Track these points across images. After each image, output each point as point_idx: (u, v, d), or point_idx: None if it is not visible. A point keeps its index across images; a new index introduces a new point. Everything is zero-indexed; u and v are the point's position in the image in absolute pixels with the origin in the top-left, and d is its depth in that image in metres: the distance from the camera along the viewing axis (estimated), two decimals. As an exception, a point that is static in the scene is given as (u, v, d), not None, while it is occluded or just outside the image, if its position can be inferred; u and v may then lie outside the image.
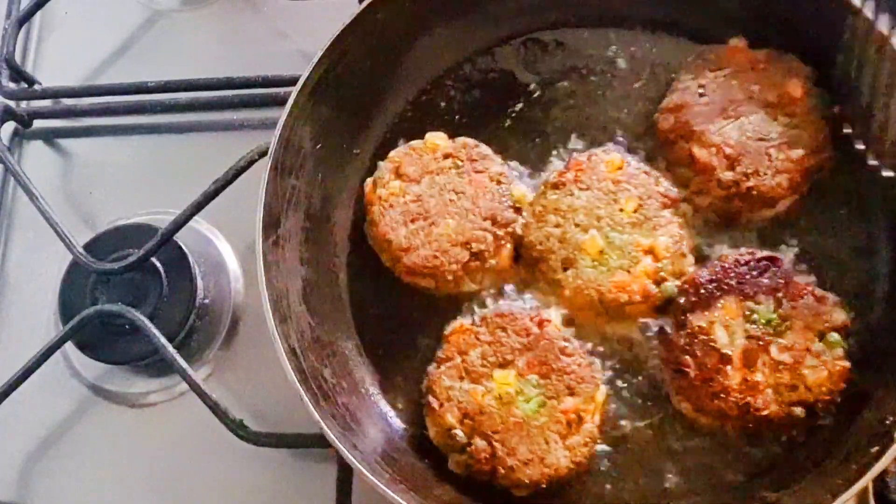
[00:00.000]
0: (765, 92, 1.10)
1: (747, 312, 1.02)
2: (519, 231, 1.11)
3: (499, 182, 1.12)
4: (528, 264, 1.10)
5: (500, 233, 1.09)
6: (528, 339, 1.04)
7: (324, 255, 1.15)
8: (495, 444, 1.00)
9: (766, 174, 1.06)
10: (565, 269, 1.07)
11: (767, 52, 1.12)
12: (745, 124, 1.09)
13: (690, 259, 1.08)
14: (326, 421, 0.96)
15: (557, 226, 1.08)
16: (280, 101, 1.10)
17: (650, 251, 1.06)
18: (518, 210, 1.11)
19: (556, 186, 1.10)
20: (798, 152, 1.07)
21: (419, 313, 1.13)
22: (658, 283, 1.05)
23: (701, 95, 1.11)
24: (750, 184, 1.06)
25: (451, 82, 1.22)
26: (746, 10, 1.14)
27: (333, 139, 1.15)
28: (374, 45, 1.14)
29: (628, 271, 1.05)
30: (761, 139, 1.08)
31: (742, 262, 1.05)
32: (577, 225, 1.08)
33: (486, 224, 1.10)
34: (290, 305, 1.06)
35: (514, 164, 1.15)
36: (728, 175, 1.07)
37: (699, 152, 1.08)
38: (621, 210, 1.08)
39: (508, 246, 1.10)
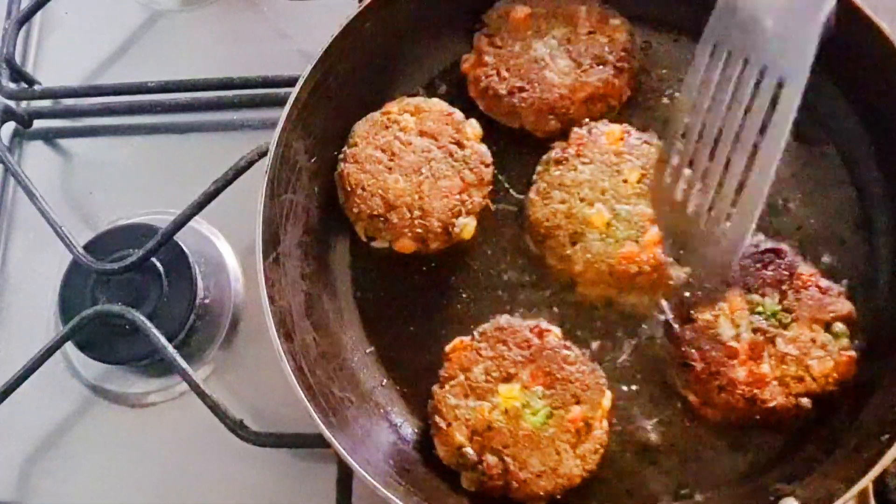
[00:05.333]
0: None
1: (752, 305, 1.02)
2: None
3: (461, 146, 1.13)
4: (535, 241, 1.11)
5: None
6: (529, 351, 1.03)
7: (324, 268, 1.14)
8: (506, 458, 0.99)
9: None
10: (574, 244, 1.07)
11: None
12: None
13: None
14: (337, 437, 0.96)
15: (562, 202, 1.09)
16: (280, 102, 1.09)
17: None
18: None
19: (558, 162, 1.11)
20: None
21: (424, 323, 1.12)
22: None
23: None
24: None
25: (444, 86, 1.21)
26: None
27: (328, 150, 1.15)
28: (363, 54, 1.14)
29: (636, 241, 1.05)
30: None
31: (746, 254, 1.04)
32: (582, 199, 1.08)
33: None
34: (294, 322, 1.05)
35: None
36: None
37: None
38: (625, 181, 1.08)
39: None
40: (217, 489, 1.15)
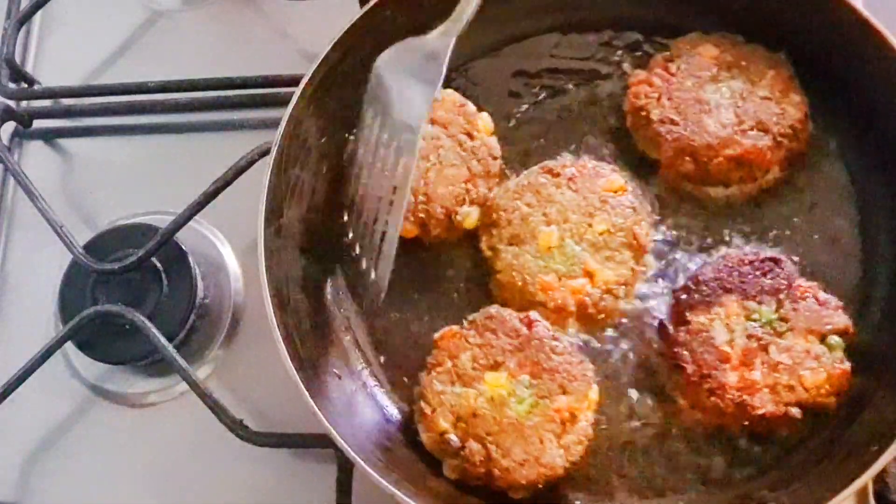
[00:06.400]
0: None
1: (748, 312, 1.02)
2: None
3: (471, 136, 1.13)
4: (483, 222, 1.12)
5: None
6: (518, 340, 1.03)
7: (325, 247, 1.14)
8: (489, 446, 0.99)
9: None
10: (510, 245, 1.08)
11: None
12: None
13: (623, 303, 1.08)
14: (321, 408, 0.96)
15: (528, 205, 1.09)
16: (280, 102, 1.10)
17: (590, 275, 1.06)
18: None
19: (550, 172, 1.11)
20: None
21: (419, 309, 1.12)
22: (579, 305, 1.06)
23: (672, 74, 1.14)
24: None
25: (458, 80, 1.21)
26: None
27: (339, 133, 1.15)
28: (382, 40, 1.12)
29: (560, 278, 1.06)
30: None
31: (746, 261, 1.04)
32: (545, 214, 1.09)
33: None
34: (289, 294, 1.06)
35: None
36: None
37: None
38: (590, 226, 1.08)
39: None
40: (217, 489, 1.16)
